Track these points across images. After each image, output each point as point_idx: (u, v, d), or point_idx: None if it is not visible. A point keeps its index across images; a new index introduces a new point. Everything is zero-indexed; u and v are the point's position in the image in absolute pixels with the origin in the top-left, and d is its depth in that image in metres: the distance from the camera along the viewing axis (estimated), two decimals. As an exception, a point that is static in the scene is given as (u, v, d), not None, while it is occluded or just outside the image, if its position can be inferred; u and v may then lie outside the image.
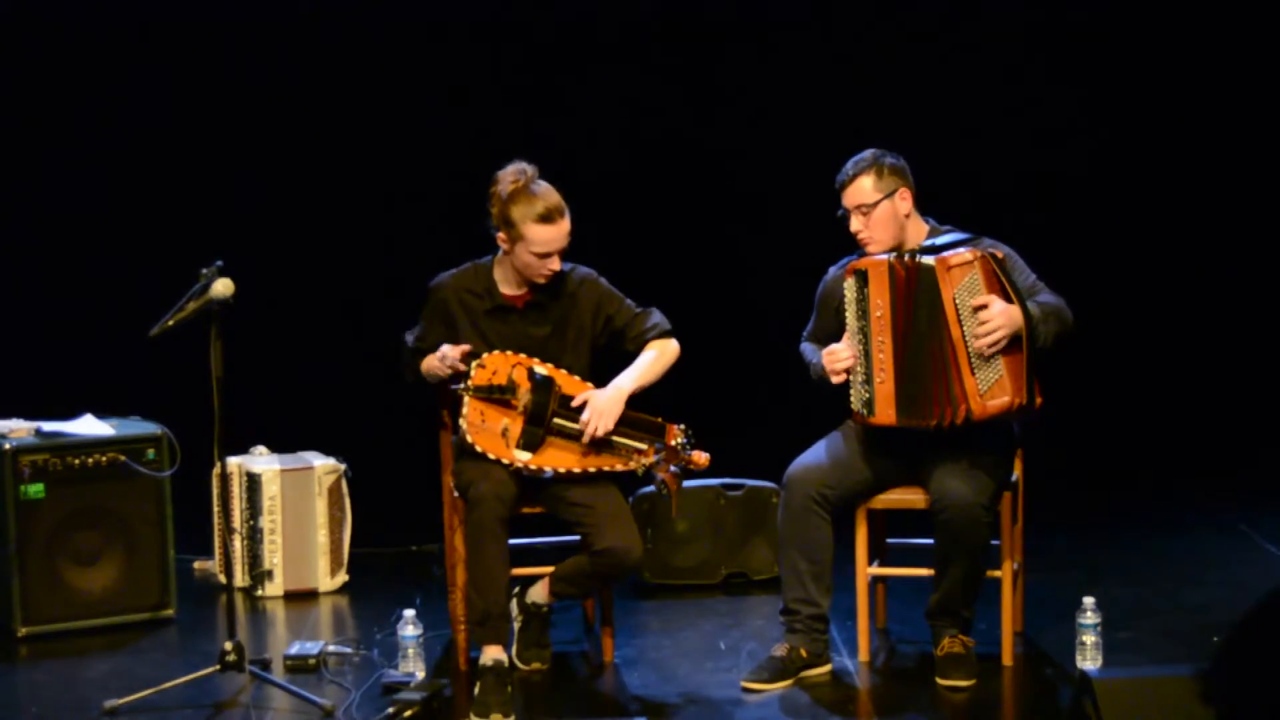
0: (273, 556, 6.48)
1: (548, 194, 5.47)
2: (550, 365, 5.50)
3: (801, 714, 5.28)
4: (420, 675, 5.51)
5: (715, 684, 5.50)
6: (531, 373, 5.46)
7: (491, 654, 5.37)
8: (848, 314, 5.43)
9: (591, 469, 5.47)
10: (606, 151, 7.93)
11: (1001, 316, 5.28)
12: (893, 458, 5.53)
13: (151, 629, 6.13)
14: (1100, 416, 7.95)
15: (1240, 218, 8.06)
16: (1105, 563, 6.63)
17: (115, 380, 7.33)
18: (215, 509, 6.44)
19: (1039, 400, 5.36)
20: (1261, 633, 3.84)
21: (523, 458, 5.43)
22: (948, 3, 7.97)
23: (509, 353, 5.49)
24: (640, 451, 5.46)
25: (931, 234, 5.53)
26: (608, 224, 6.84)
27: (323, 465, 6.53)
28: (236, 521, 6.51)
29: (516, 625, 5.66)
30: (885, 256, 5.40)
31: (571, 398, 5.47)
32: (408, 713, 5.18)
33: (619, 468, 5.49)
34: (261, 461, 6.56)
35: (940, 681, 5.44)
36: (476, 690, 5.30)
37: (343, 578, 6.57)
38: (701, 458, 5.48)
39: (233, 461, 6.50)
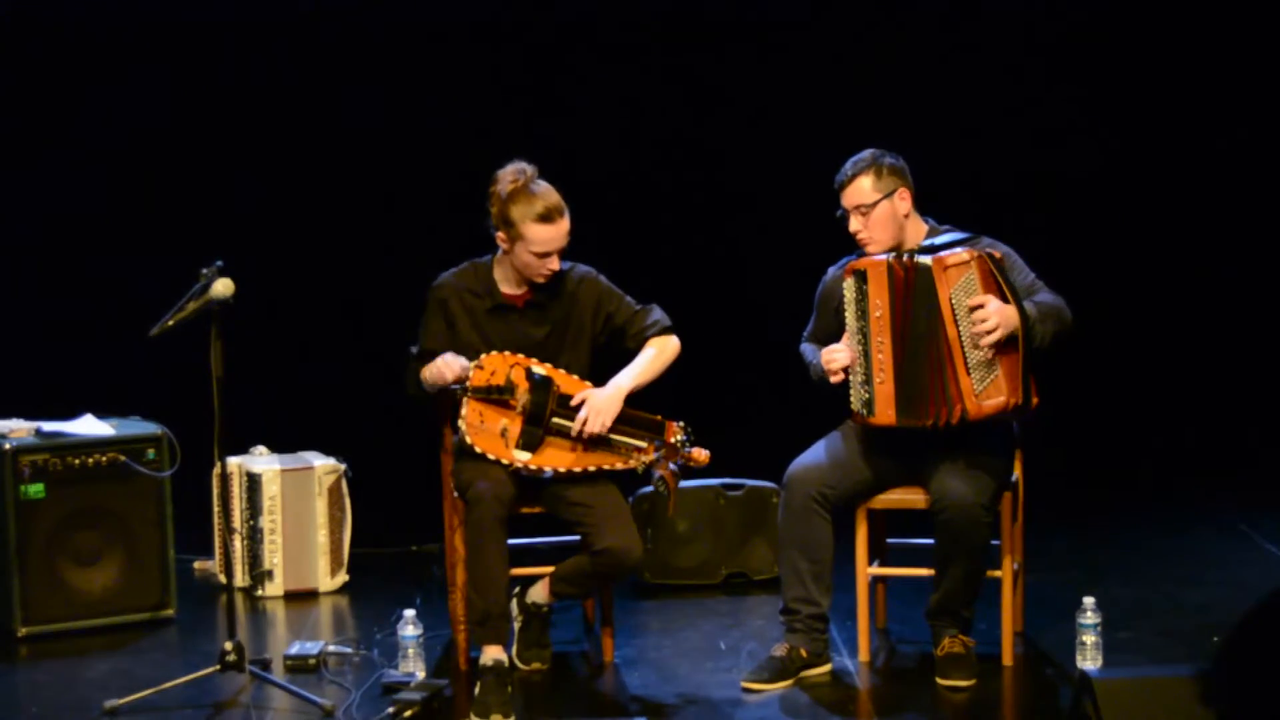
0: (273, 556, 6.48)
1: (547, 194, 5.46)
2: (549, 365, 5.50)
3: (801, 714, 5.28)
4: (420, 675, 5.51)
5: (715, 684, 5.50)
6: (530, 373, 5.45)
7: (491, 654, 5.37)
8: (847, 314, 5.43)
9: (591, 468, 5.47)
10: (606, 151, 7.92)
11: (997, 316, 5.28)
12: (893, 457, 5.53)
13: (151, 629, 6.13)
14: (1100, 416, 7.94)
15: (1240, 218, 8.05)
16: (1105, 563, 6.63)
17: (115, 380, 7.32)
18: (215, 509, 6.44)
19: (1035, 400, 5.35)
20: (1261, 633, 3.84)
21: (522, 458, 5.42)
22: (948, 3, 7.96)
23: (507, 353, 5.48)
24: (640, 449, 5.46)
25: (931, 234, 5.52)
26: (608, 224, 6.84)
27: (323, 465, 6.53)
28: (236, 521, 6.51)
29: (516, 625, 5.66)
30: (884, 257, 5.40)
31: (570, 397, 5.47)
32: (408, 713, 5.18)
33: (619, 466, 5.48)
34: (261, 461, 6.55)
35: (940, 681, 5.43)
36: (476, 690, 5.30)
37: (343, 578, 6.57)
38: (701, 454, 5.47)
39: (233, 461, 6.50)
